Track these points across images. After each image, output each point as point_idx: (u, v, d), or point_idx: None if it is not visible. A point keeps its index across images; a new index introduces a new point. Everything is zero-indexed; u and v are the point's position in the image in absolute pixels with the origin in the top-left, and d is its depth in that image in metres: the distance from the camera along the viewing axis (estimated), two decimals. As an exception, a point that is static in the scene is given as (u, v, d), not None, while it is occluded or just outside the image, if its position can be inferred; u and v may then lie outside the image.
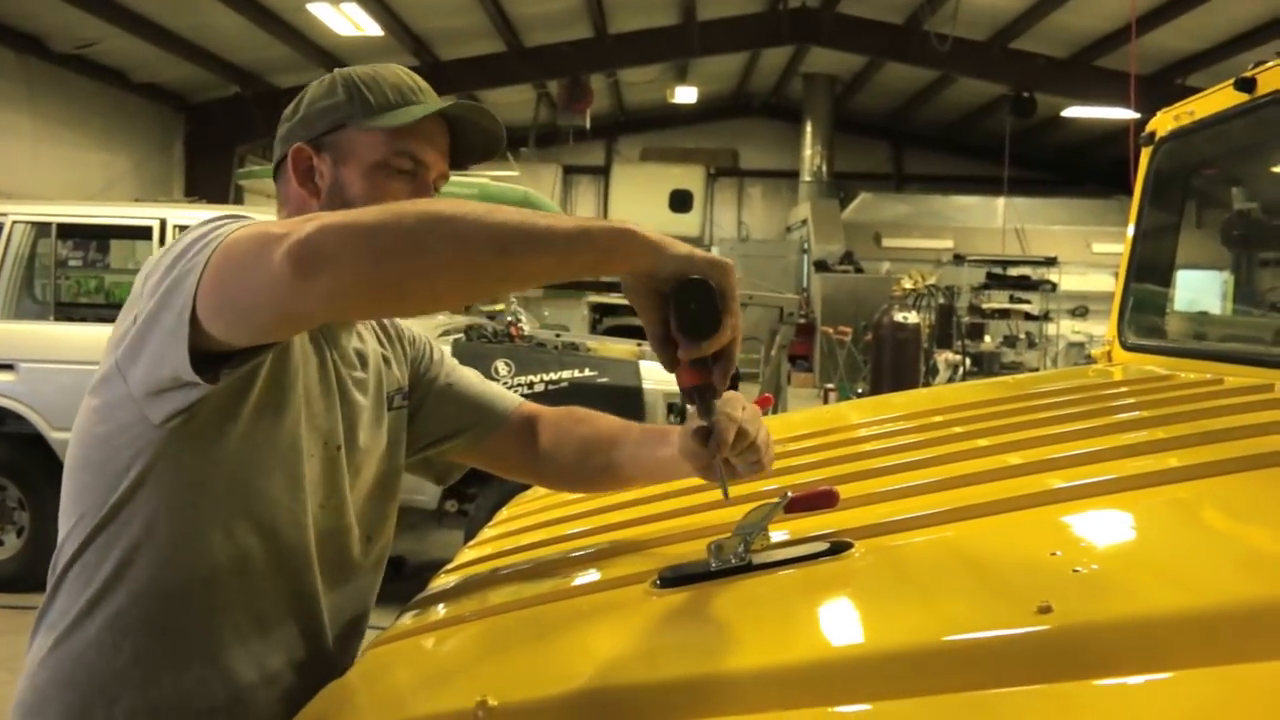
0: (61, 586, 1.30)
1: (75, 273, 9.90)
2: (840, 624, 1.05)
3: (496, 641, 1.17)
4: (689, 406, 1.19)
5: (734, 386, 1.20)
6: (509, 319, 7.81)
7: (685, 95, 18.45)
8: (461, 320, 7.43)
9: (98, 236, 9.02)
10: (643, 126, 21.88)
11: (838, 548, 1.15)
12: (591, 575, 1.29)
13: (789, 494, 1.20)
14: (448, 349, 5.73)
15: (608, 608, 1.17)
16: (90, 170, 13.92)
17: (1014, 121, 16.28)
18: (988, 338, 14.69)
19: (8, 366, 5.75)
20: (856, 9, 14.78)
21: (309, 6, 11.50)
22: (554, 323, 11.53)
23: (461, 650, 1.18)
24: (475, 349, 6.11)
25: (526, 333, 7.47)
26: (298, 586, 1.35)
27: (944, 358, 11.57)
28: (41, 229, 6.03)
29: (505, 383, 5.76)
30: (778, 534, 1.23)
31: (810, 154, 19.49)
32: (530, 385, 5.79)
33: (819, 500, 1.23)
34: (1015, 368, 13.90)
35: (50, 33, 12.42)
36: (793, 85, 19.70)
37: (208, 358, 1.15)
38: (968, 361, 12.25)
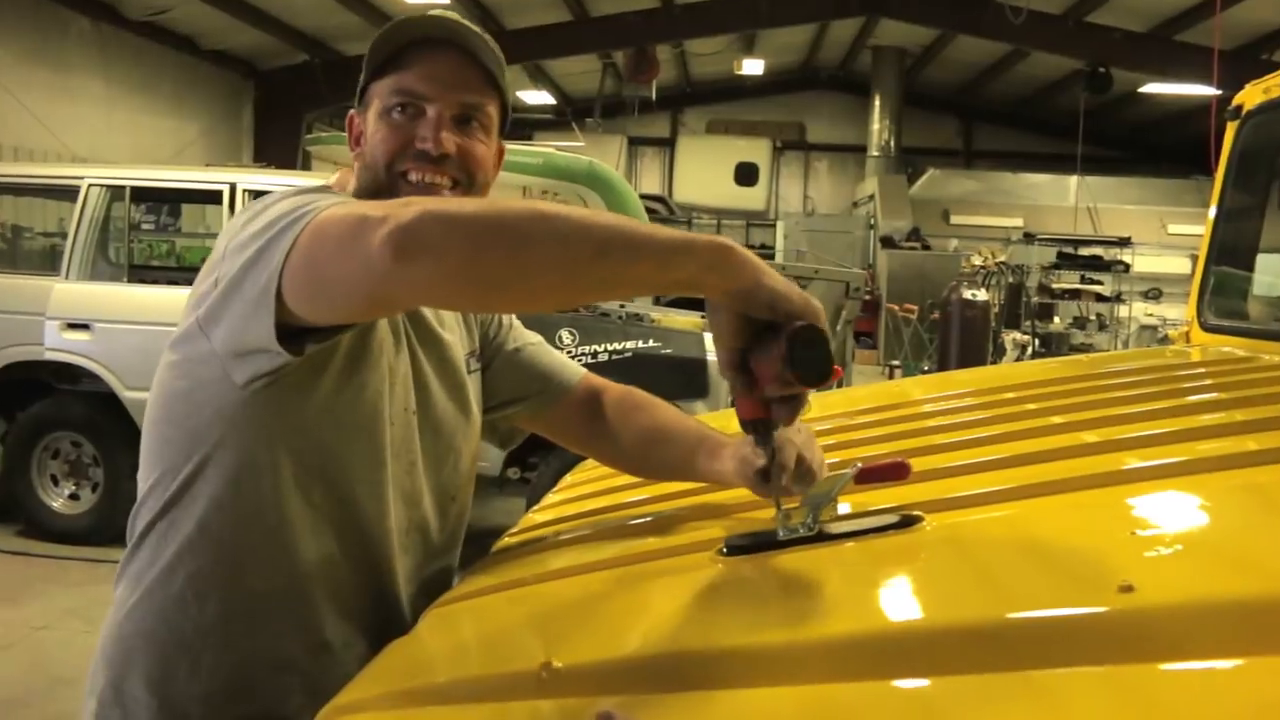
0: (145, 540, 1.33)
1: (148, 236, 10.07)
2: (909, 597, 1.03)
3: (560, 605, 1.17)
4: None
5: None
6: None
7: (752, 67, 18.27)
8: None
9: (169, 200, 9.17)
10: (709, 98, 21.73)
11: (908, 520, 1.13)
12: (657, 541, 1.28)
13: (859, 465, 1.18)
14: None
15: (673, 573, 1.16)
16: (161, 136, 14.15)
17: (1088, 98, 15.89)
18: (1057, 319, 14.41)
19: (83, 326, 5.88)
20: (928, -20, 14.53)
21: (377, -26, 11.55)
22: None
23: (526, 612, 1.18)
24: (539, 317, 6.12)
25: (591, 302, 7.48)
26: (374, 550, 1.36)
27: (1011, 338, 11.38)
28: (116, 192, 6.14)
29: (569, 352, 5.77)
30: (846, 505, 1.21)
31: (878, 128, 19.21)
32: (594, 355, 5.80)
33: (890, 472, 1.21)
34: (1085, 349, 13.63)
35: (124, 0, 12.62)
36: (861, 58, 19.41)
37: (290, 330, 1.16)
38: (1036, 342, 12.04)
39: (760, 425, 1.14)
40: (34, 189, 7.37)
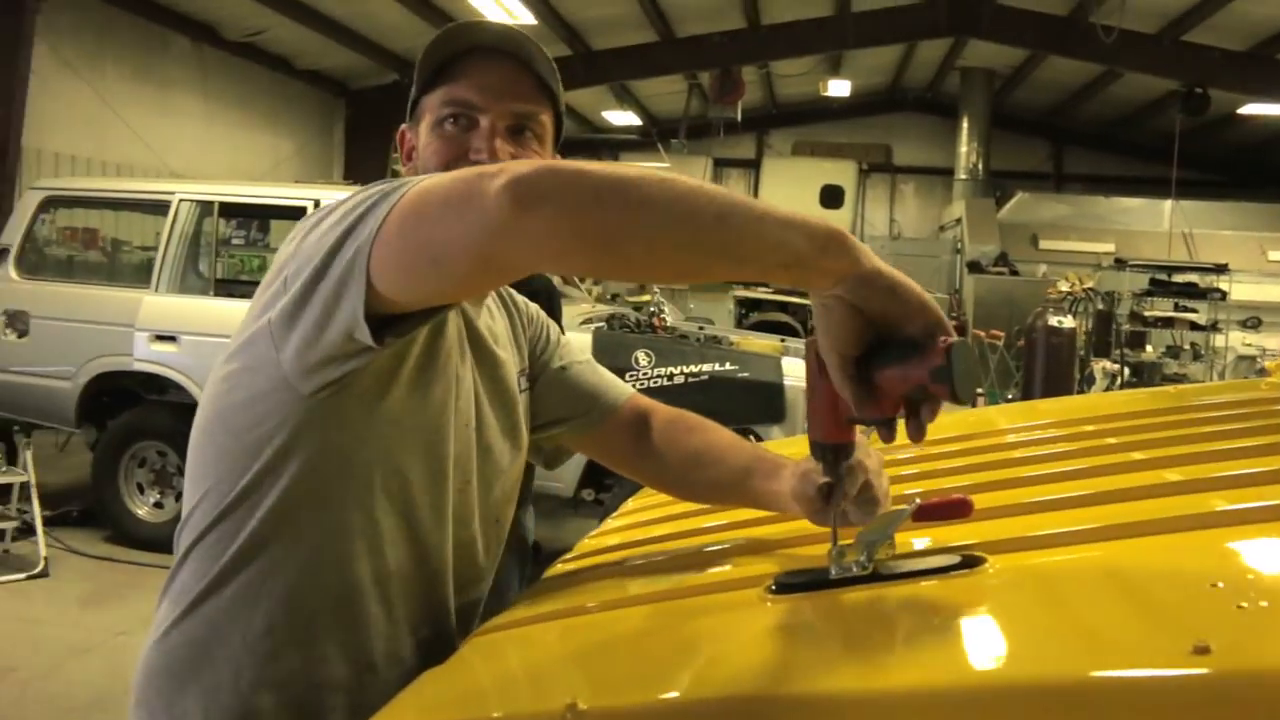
0: (192, 554, 1.30)
1: (238, 251, 10.32)
2: (967, 646, 0.96)
3: (596, 639, 1.12)
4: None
5: None
6: (652, 310, 7.81)
7: (838, 88, 18.13)
8: (605, 310, 7.45)
9: (255, 215, 9.39)
10: (795, 120, 21.64)
11: (969, 562, 1.06)
12: (705, 575, 1.23)
13: (918, 500, 1.12)
14: (588, 339, 5.79)
15: (717, 611, 1.10)
16: (257, 153, 14.52)
17: (1184, 119, 15.47)
18: (1149, 347, 14.00)
19: (170, 338, 6.02)
20: (1018, 0, 14.25)
21: (466, -5, 11.72)
22: (700, 316, 11.50)
23: (561, 646, 1.14)
24: (616, 338, 6.11)
25: (669, 324, 7.45)
26: (430, 568, 1.33)
27: (1101, 366, 11.07)
28: (204, 207, 6.29)
29: (645, 373, 5.74)
30: (925, 539, 1.15)
31: (966, 151, 18.95)
32: (670, 376, 5.76)
33: (950, 509, 1.14)
34: (1179, 380, 13.21)
35: (223, 21, 13.00)
36: (949, 80, 19.17)
37: (376, 321, 1.10)
38: (1126, 371, 11.69)
39: (840, 450, 1.08)
40: (128, 203, 7.58)
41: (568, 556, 1.68)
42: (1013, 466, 1.50)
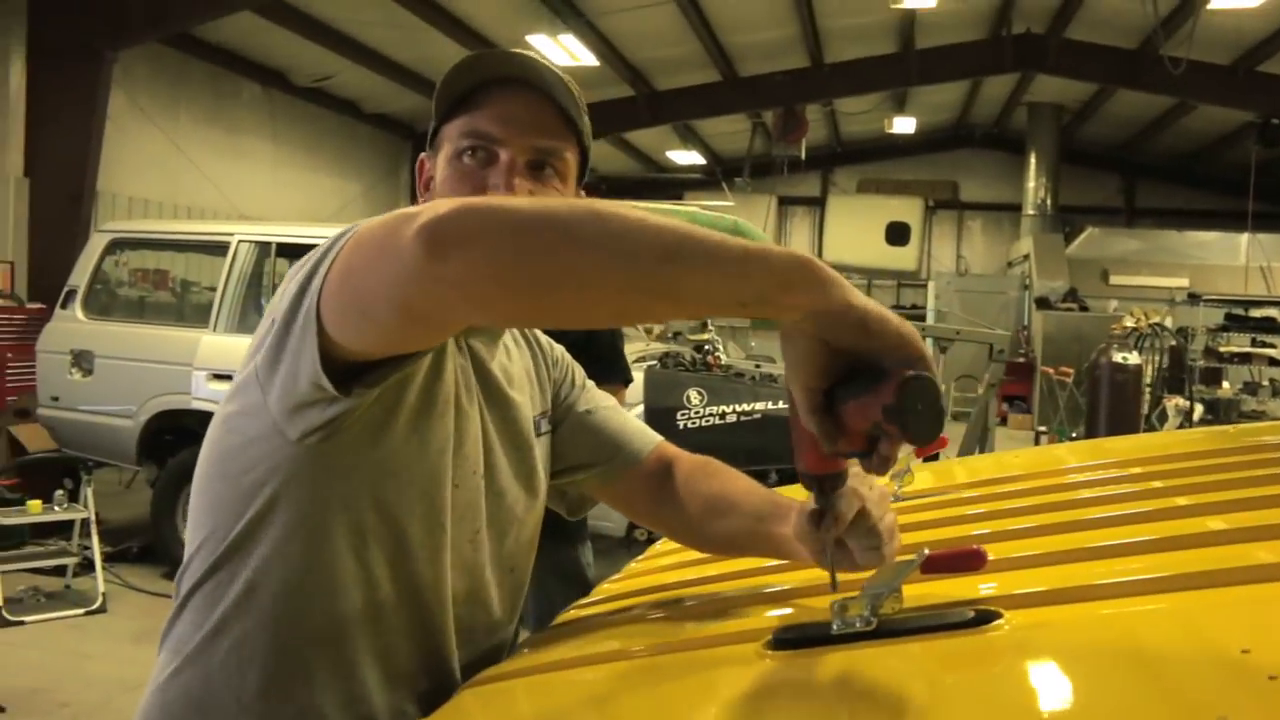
0: (190, 603, 1.26)
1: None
2: (977, 709, 0.88)
3: (586, 696, 1.06)
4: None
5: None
6: (707, 348, 7.74)
7: (903, 125, 18.01)
8: (659, 348, 7.40)
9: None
10: (859, 157, 21.53)
11: (983, 618, 0.98)
12: (704, 627, 1.16)
13: (926, 551, 1.04)
14: (639, 375, 5.73)
15: (710, 667, 1.03)
16: (325, 195, 14.79)
17: (1260, 151, 15.08)
18: (1226, 383, 13.57)
19: (227, 377, 6.07)
20: (1085, 34, 14.04)
21: (528, 38, 11.84)
22: (760, 353, 11.42)
23: (552, 701, 1.08)
24: (669, 377, 6.05)
25: (724, 362, 7.38)
26: (428, 619, 1.27)
27: (1173, 403, 10.74)
28: (263, 249, 6.37)
29: (696, 411, 5.66)
30: (919, 595, 1.07)
31: (1034, 186, 18.67)
32: (722, 415, 5.68)
33: (962, 561, 1.05)
34: (1257, 417, 12.79)
35: (292, 67, 13.31)
36: (1016, 115, 18.94)
37: (345, 369, 1.07)
38: (1200, 408, 11.33)
39: (828, 480, 1.01)
40: (189, 245, 7.71)
41: (584, 601, 1.62)
42: (1038, 513, 1.41)
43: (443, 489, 1.25)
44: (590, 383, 1.60)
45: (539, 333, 1.57)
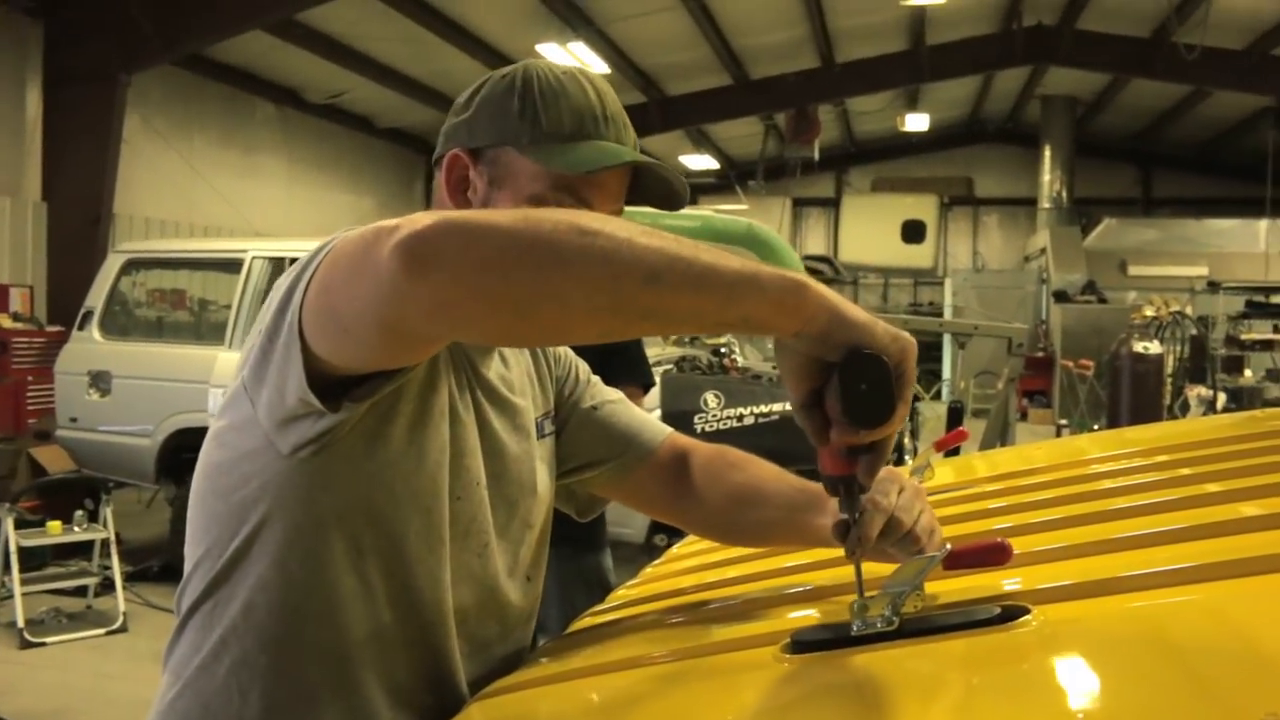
0: (189, 623, 1.22)
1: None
2: (1007, 711, 0.83)
3: (599, 705, 1.02)
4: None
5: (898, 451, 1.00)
6: (724, 351, 7.70)
7: (916, 123, 17.93)
8: (675, 351, 7.36)
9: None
10: (873, 156, 21.48)
11: (1010, 614, 0.93)
12: (722, 631, 1.12)
13: (949, 546, 1.00)
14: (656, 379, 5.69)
15: (726, 673, 0.99)
16: (339, 210, 14.83)
17: (1277, 136, 14.93)
18: (1248, 371, 13.42)
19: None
20: (1096, 23, 13.95)
21: (538, 47, 11.84)
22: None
23: (563, 711, 1.04)
24: (686, 380, 6.01)
25: (741, 365, 7.34)
26: (431, 634, 1.23)
27: (1196, 393, 10.61)
28: (276, 265, 6.37)
29: (714, 414, 5.62)
30: (945, 591, 1.03)
31: (1049, 179, 18.56)
32: (740, 418, 5.63)
33: (986, 555, 1.01)
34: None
35: (306, 85, 13.35)
36: (1029, 108, 18.84)
37: (332, 382, 1.04)
38: (1223, 397, 11.20)
39: (841, 483, 0.98)
40: (204, 263, 7.73)
41: (600, 608, 1.58)
42: (1065, 504, 1.36)
43: (441, 502, 1.21)
44: (596, 378, 1.55)
45: None
